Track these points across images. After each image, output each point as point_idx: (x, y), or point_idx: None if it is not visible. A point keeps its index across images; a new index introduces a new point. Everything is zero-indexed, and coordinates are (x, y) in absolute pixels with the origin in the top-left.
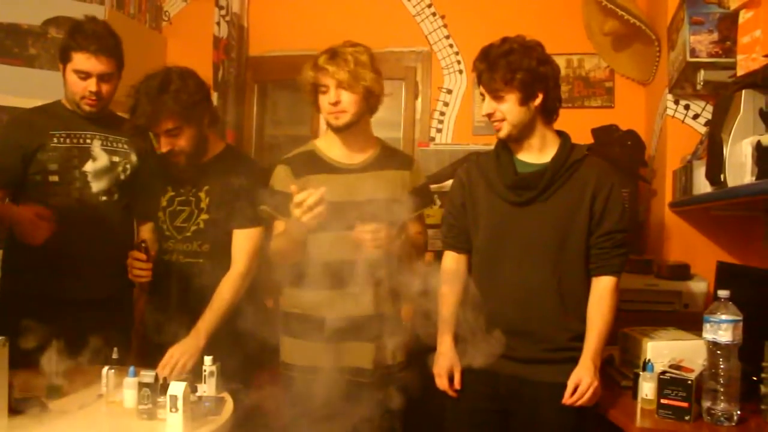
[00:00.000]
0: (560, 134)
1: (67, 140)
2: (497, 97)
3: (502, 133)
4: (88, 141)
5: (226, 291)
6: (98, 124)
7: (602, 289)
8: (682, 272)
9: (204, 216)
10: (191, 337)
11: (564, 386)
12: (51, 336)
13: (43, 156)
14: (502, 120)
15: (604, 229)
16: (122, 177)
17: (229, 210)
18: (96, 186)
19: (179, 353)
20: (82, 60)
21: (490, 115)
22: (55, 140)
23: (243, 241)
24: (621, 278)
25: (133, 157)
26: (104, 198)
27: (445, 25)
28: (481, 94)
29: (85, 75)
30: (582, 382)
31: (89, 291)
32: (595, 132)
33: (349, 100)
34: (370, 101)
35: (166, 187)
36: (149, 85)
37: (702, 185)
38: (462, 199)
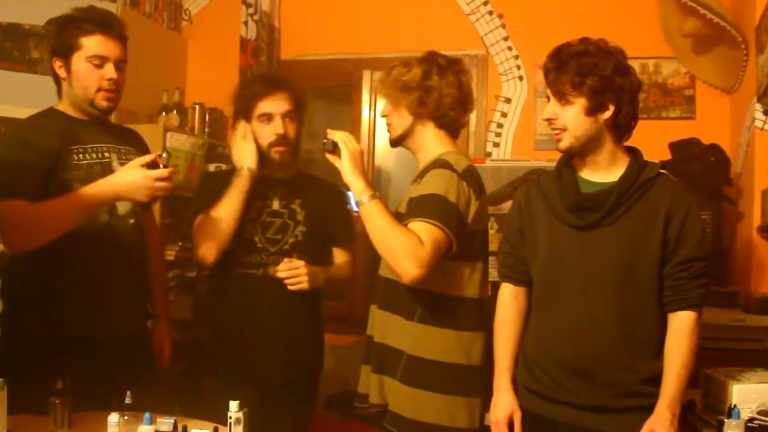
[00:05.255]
0: (631, 151)
1: (86, 155)
2: (562, 101)
3: (562, 145)
4: (107, 155)
5: None
6: (108, 133)
7: (680, 326)
8: None
9: (302, 228)
10: None
11: None
12: (61, 380)
13: (66, 175)
14: (564, 129)
15: (681, 257)
16: None
17: (326, 225)
18: (121, 207)
19: None
20: (97, 43)
21: (550, 121)
22: (75, 157)
23: (347, 257)
24: (702, 313)
25: None
26: (132, 221)
27: (503, 26)
28: (547, 97)
29: (100, 61)
30: None
31: (109, 327)
32: (674, 146)
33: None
34: None
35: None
36: (261, 72)
37: None
38: (520, 224)
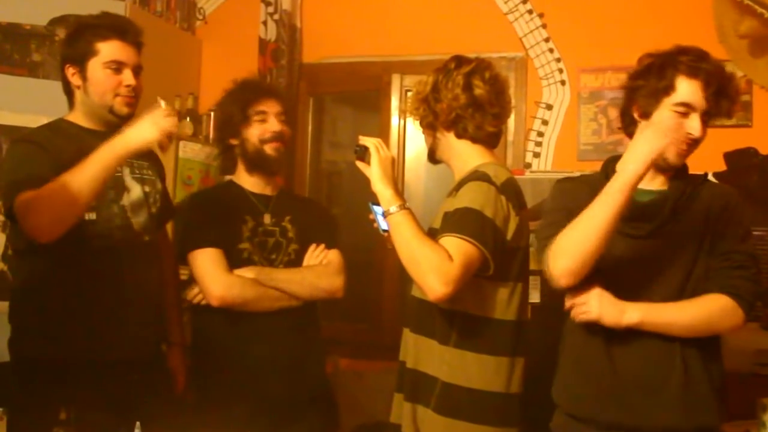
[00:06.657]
0: None
1: None
2: (707, 120)
3: (681, 161)
4: (119, 169)
5: None
6: None
7: (710, 300)
8: None
9: (294, 246)
10: None
11: None
12: (65, 410)
13: None
14: (693, 145)
15: (722, 249)
16: (153, 210)
17: (316, 241)
18: (136, 223)
19: None
20: (114, 49)
21: (694, 138)
22: None
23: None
24: (744, 309)
25: (159, 185)
26: (147, 238)
27: (543, 26)
28: (684, 105)
29: (118, 66)
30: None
31: (120, 350)
32: (729, 156)
33: None
34: None
35: (244, 216)
36: (247, 78)
37: None
38: (571, 208)
